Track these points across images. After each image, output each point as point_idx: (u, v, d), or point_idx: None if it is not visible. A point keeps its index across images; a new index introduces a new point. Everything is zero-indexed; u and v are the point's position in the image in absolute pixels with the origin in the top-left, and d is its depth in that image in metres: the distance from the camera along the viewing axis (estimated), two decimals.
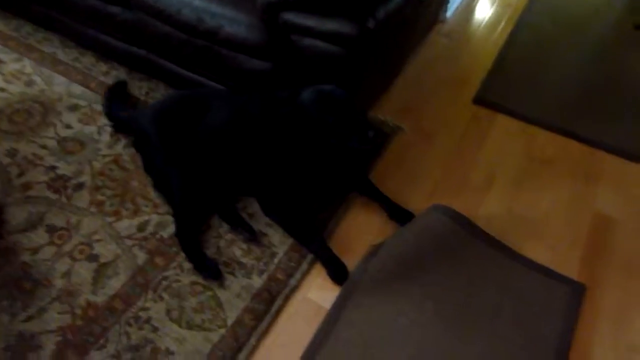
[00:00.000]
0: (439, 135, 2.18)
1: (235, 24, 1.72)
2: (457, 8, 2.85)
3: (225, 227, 1.79)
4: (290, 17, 1.63)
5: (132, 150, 2.01)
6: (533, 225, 1.87)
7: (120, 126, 2.06)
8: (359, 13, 1.56)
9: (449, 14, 2.74)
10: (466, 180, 2.01)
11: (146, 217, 1.81)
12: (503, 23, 2.80)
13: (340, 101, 1.58)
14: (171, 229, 1.77)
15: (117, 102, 2.11)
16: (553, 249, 1.80)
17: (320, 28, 1.58)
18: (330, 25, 1.57)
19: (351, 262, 1.71)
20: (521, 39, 2.65)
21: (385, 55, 1.86)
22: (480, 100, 2.31)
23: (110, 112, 2.07)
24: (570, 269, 1.74)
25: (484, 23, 2.81)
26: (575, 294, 1.67)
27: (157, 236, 1.76)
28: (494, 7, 2.95)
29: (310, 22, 1.60)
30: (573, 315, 1.62)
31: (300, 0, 1.56)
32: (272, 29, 1.69)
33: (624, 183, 2.02)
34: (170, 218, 1.80)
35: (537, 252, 1.78)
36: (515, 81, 2.43)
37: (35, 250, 1.71)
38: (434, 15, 2.55)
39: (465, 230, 1.79)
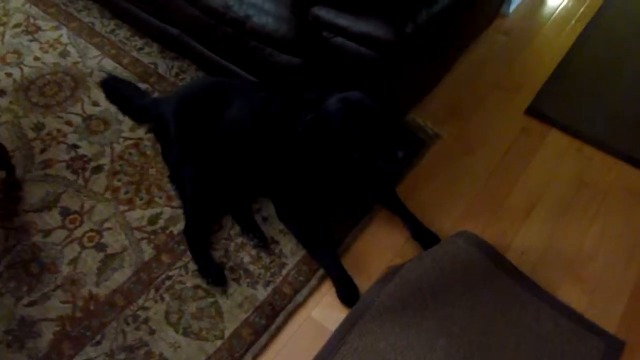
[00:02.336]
0: (482, 147, 1.98)
1: (264, 14, 1.58)
2: (522, 2, 2.55)
3: (236, 228, 1.71)
4: (321, 13, 1.47)
5: (153, 135, 1.94)
6: (573, 264, 1.67)
7: (138, 115, 1.98)
8: (398, 15, 1.38)
9: (511, 8, 2.46)
10: (504, 203, 1.82)
11: (159, 210, 1.76)
12: (573, 22, 2.49)
13: (369, 113, 1.43)
14: (182, 225, 1.71)
15: (131, 91, 2.03)
16: (592, 294, 1.61)
17: (352, 29, 1.42)
18: (363, 26, 1.40)
19: (364, 282, 1.60)
20: (591, 43, 2.35)
21: (427, 58, 1.67)
22: (533, 110, 2.08)
23: (127, 103, 1.99)
24: (609, 321, 1.55)
25: (550, 21, 2.51)
26: (610, 351, 1.48)
27: (167, 231, 1.71)
28: (565, 2, 2.62)
29: (342, 20, 1.44)
30: None
31: None
32: (302, 24, 1.54)
33: None
34: (182, 213, 1.74)
35: (573, 296, 1.60)
36: (577, 92, 2.16)
37: (47, 233, 1.70)
38: (494, 9, 2.29)
39: (493, 264, 1.62)
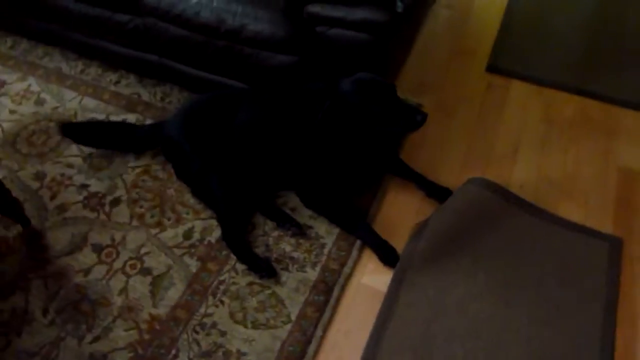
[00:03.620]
0: (459, 108, 2.21)
1: (259, 21, 1.70)
2: None
3: (269, 224, 1.82)
4: (317, 9, 1.62)
5: (161, 158, 2.00)
6: (563, 186, 1.93)
7: (142, 146, 2.02)
8: None
9: None
10: (493, 150, 2.06)
11: (190, 225, 1.82)
12: None
13: (382, 88, 1.60)
14: (217, 233, 1.79)
15: (115, 130, 2.05)
16: (586, 207, 1.87)
17: (349, 18, 1.58)
18: (359, 14, 1.57)
19: (398, 243, 1.76)
20: (522, 1, 2.67)
21: (406, 34, 1.87)
22: (493, 68, 2.34)
23: (129, 139, 2.02)
24: (605, 224, 1.81)
25: None
26: (614, 248, 1.74)
27: (205, 242, 1.78)
28: None
29: (338, 12, 1.59)
30: (615, 269, 1.70)
31: None
32: (297, 23, 1.68)
33: None
34: (213, 222, 1.82)
35: (572, 212, 1.85)
36: (524, 44, 2.45)
37: (86, 271, 1.72)
38: None
39: (503, 199, 1.85)
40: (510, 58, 2.36)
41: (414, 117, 1.57)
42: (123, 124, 2.11)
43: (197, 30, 1.81)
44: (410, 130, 1.62)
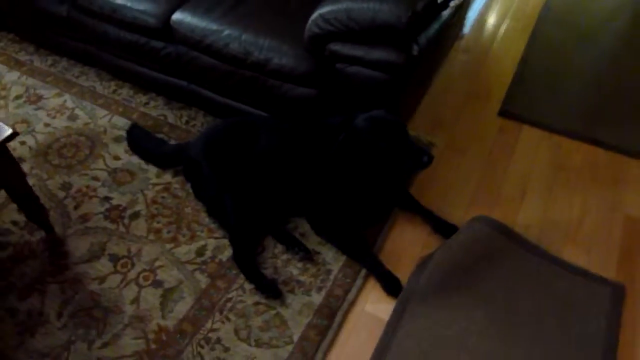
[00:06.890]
0: (470, 148, 2.29)
1: (284, 55, 1.82)
2: (473, 23, 2.97)
3: (279, 247, 1.89)
4: (337, 47, 1.73)
5: (181, 177, 2.10)
6: (568, 231, 1.97)
7: (163, 162, 2.15)
8: (404, 41, 1.66)
9: (466, 30, 2.87)
10: (500, 191, 2.11)
11: (203, 242, 1.90)
12: (517, 36, 2.92)
13: (393, 126, 1.68)
14: (228, 252, 1.86)
15: (151, 142, 2.21)
16: (589, 252, 1.90)
17: (367, 57, 1.69)
18: (377, 54, 1.67)
19: (402, 274, 1.81)
20: (537, 49, 2.77)
21: (421, 75, 1.97)
22: (505, 112, 2.42)
23: (150, 152, 2.17)
24: (608, 271, 1.84)
25: (499, 36, 2.93)
26: (616, 294, 1.77)
27: (216, 260, 1.85)
28: (508, 19, 3.07)
29: (357, 52, 1.70)
30: (616, 315, 1.71)
31: (346, 32, 1.66)
32: (319, 59, 1.79)
33: None
34: (226, 242, 1.89)
35: (575, 256, 1.88)
36: (536, 91, 2.54)
37: (101, 279, 1.80)
38: (459, 30, 2.67)
39: (507, 239, 1.89)
40: (521, 104, 2.44)
41: (421, 158, 1.64)
42: (159, 138, 2.26)
43: (225, 60, 1.94)
44: (416, 170, 1.69)
